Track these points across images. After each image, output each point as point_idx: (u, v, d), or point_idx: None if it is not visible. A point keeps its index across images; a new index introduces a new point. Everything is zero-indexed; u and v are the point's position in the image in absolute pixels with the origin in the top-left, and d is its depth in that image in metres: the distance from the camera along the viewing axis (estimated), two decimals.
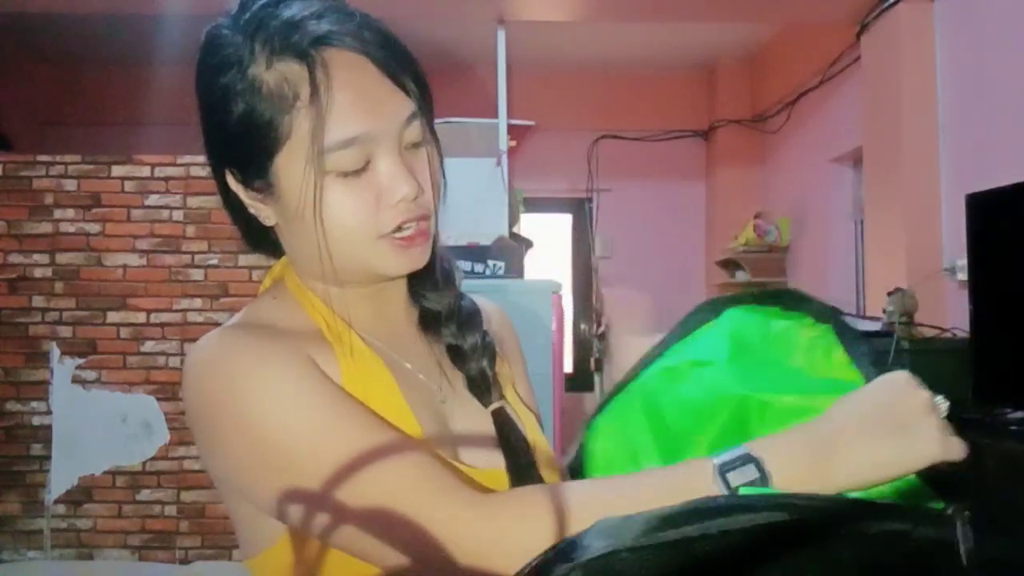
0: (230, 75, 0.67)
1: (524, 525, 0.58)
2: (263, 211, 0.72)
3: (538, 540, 0.56)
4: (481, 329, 0.80)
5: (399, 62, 0.69)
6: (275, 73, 0.66)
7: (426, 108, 0.71)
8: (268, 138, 0.66)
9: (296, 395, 0.65)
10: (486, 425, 0.76)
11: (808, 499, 0.51)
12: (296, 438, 0.63)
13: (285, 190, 0.68)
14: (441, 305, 0.79)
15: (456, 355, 0.79)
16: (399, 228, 0.69)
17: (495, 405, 0.77)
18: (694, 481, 0.57)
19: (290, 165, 0.67)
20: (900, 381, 0.59)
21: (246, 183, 0.71)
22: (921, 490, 0.56)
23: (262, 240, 0.78)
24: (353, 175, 0.67)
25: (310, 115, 0.65)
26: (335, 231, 0.68)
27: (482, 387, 0.78)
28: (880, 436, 0.55)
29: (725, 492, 0.55)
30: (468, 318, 0.80)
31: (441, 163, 0.74)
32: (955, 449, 0.55)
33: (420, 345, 0.79)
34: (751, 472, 0.55)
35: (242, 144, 0.68)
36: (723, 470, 0.56)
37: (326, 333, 0.73)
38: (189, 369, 0.68)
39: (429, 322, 0.80)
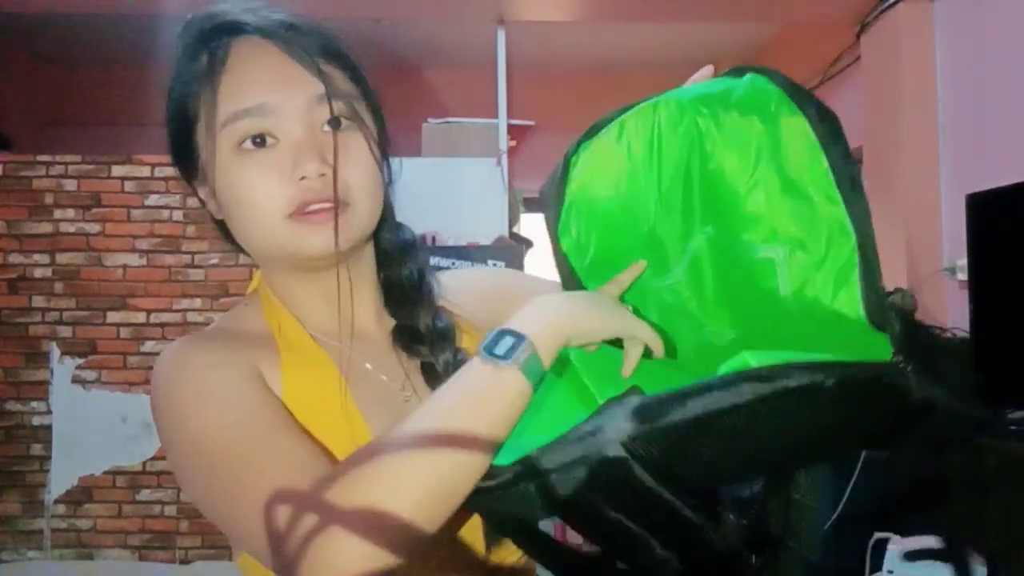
0: (171, 80, 0.73)
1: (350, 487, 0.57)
2: (211, 204, 0.75)
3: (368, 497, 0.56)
4: (453, 348, 0.79)
5: (311, 46, 0.70)
6: (190, 65, 0.71)
7: (357, 94, 0.72)
8: (184, 121, 0.72)
9: (225, 404, 0.65)
10: None
11: (799, 365, 0.55)
12: (213, 445, 0.63)
13: (207, 173, 0.72)
14: (418, 322, 0.78)
15: (430, 373, 0.78)
16: (305, 209, 0.68)
17: None
18: (470, 370, 0.61)
19: (204, 145, 0.71)
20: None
21: (189, 177, 0.75)
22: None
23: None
24: (258, 150, 0.68)
25: (208, 91, 0.69)
26: (244, 208, 0.69)
27: None
28: (603, 310, 0.67)
29: (495, 361, 0.60)
30: (440, 337, 0.79)
31: (384, 151, 0.73)
32: (643, 331, 0.67)
33: (388, 349, 0.78)
34: (510, 340, 0.61)
35: (173, 136, 0.74)
36: (488, 349, 0.61)
37: (277, 337, 0.73)
38: (153, 376, 0.70)
39: (402, 336, 0.79)
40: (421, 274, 0.81)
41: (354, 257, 0.75)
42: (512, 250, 2.93)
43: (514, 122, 3.39)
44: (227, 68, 0.68)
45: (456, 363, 0.78)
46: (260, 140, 0.68)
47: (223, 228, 0.77)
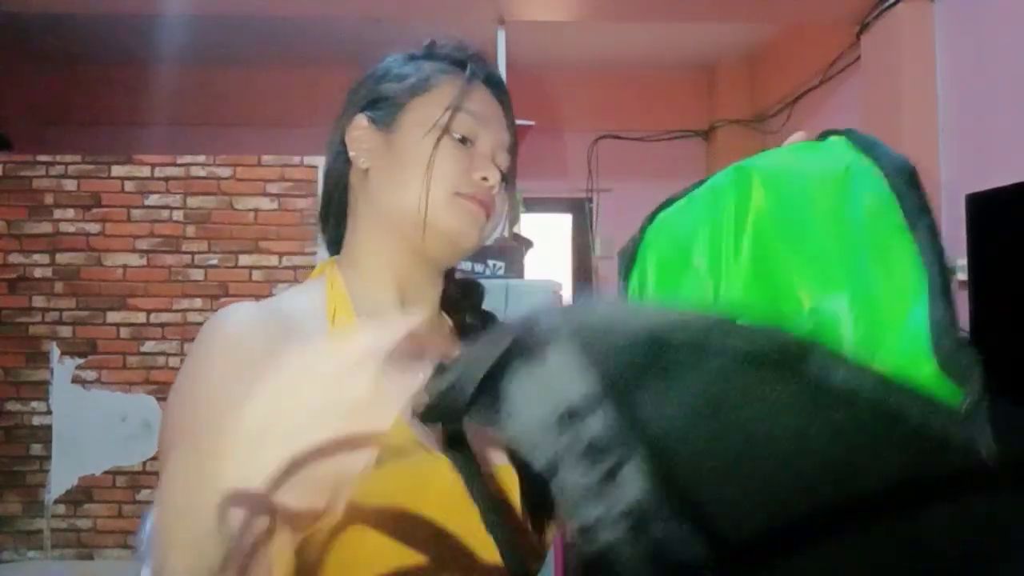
0: (408, 60, 0.86)
1: None
2: (364, 154, 0.82)
3: None
4: None
5: (512, 116, 0.88)
6: (442, 64, 0.85)
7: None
8: (412, 86, 0.82)
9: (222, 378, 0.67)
10: None
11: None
12: (202, 410, 0.65)
13: (407, 132, 0.81)
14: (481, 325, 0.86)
15: None
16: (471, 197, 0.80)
17: None
18: None
19: (423, 111, 0.81)
20: None
21: (375, 120, 0.82)
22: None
23: (337, 224, 0.86)
24: (462, 143, 0.81)
25: (457, 84, 0.82)
26: (425, 172, 0.79)
27: None
28: None
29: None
30: None
31: (516, 208, 0.83)
32: None
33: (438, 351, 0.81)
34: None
35: (391, 88, 0.83)
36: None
37: (329, 326, 0.75)
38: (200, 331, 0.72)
39: (466, 336, 0.86)
40: (479, 287, 0.93)
41: (445, 266, 0.86)
42: (512, 250, 2.92)
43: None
44: (474, 87, 0.83)
45: None
46: (464, 139, 0.81)
47: (336, 214, 0.86)
